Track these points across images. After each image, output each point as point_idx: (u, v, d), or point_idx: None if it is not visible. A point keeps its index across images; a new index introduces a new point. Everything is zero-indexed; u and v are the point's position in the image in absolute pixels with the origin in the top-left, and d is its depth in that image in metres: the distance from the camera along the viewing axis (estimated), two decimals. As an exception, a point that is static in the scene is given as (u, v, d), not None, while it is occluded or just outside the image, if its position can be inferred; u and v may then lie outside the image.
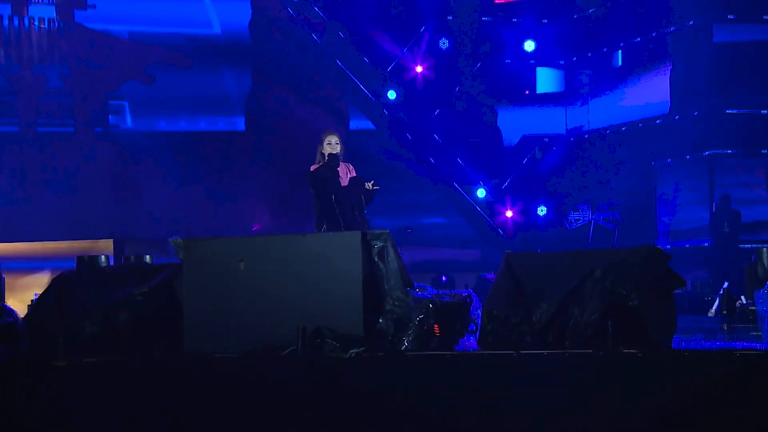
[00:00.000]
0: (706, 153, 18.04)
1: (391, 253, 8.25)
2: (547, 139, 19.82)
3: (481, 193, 18.96)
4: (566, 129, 19.96)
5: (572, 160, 19.42)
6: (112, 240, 13.67)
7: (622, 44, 19.25)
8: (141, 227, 15.34)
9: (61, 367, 8.08)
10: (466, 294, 8.42)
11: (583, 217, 18.80)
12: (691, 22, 18.03)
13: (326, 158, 10.40)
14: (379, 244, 8.22)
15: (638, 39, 18.91)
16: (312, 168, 10.49)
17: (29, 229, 15.69)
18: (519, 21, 19.54)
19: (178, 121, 18.02)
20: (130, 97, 18.22)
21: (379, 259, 8.21)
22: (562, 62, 19.86)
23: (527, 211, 18.77)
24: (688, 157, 18.22)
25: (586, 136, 19.80)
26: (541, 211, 18.99)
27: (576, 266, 8.03)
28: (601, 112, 19.61)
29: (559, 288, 7.95)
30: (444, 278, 16.31)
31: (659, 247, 8.02)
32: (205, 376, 8.05)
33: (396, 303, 8.12)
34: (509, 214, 18.67)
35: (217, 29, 18.55)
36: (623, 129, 19.24)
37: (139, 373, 8.13)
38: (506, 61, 19.57)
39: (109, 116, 18.02)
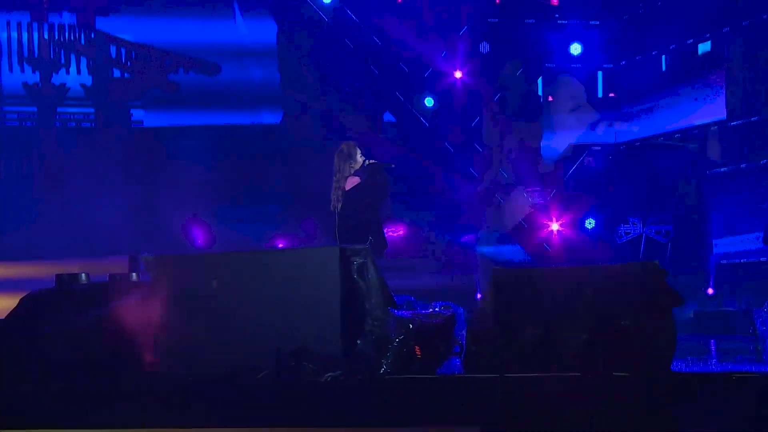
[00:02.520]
0: (765, 161, 17.19)
1: (372, 270, 7.79)
2: (595, 148, 19.06)
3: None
4: (615, 137, 19.16)
5: (622, 170, 18.64)
6: (127, 257, 13.45)
7: (673, 46, 18.42)
8: (157, 245, 15.00)
9: (29, 393, 7.79)
10: (450, 313, 7.93)
11: (634, 230, 17.94)
12: (747, 22, 17.22)
13: (366, 165, 9.90)
14: (358, 260, 7.78)
15: (691, 40, 18.09)
16: (349, 185, 9.91)
17: (45, 249, 15.43)
18: (565, 23, 18.79)
19: (199, 139, 17.53)
20: (151, 109, 17.93)
21: (358, 276, 7.77)
22: (611, 66, 19.10)
23: (574, 224, 17.97)
24: (744, 165, 17.38)
25: (637, 143, 19.01)
26: (590, 224, 18.19)
27: (566, 283, 7.54)
28: (653, 119, 18.83)
29: (548, 307, 7.45)
30: (480, 296, 15.68)
31: (656, 262, 7.42)
32: (179, 397, 7.73)
33: (376, 323, 7.70)
34: (555, 227, 17.90)
35: (245, 37, 18.18)
36: (676, 136, 18.44)
37: (114, 395, 7.84)
38: (551, 65, 18.83)
39: (130, 125, 17.79)
